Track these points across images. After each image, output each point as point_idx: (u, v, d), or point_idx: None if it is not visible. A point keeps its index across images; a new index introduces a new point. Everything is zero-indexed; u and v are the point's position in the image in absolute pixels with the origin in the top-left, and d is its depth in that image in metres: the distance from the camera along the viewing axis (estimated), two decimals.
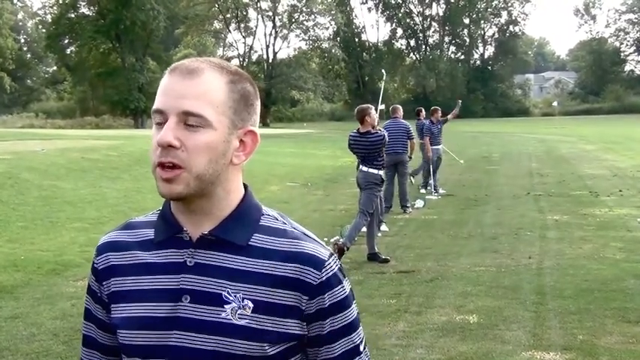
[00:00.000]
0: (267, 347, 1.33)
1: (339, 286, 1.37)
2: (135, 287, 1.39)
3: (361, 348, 1.42)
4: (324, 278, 1.35)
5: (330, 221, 11.18)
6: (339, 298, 1.37)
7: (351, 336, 1.40)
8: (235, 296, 1.33)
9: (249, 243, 1.36)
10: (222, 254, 1.35)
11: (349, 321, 1.39)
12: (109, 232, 1.49)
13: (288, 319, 1.34)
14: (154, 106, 1.33)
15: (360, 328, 1.43)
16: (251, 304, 1.32)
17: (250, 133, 1.38)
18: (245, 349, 1.32)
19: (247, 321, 1.32)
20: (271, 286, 1.33)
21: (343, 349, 1.39)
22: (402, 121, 12.87)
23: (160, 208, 1.44)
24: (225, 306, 1.33)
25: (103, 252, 1.46)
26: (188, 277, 1.35)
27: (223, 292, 1.33)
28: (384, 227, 10.87)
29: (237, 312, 1.32)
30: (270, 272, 1.34)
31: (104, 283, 1.44)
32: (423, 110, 15.69)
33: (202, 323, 1.33)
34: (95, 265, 1.46)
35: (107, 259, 1.44)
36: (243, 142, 1.37)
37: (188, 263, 1.35)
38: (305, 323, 1.35)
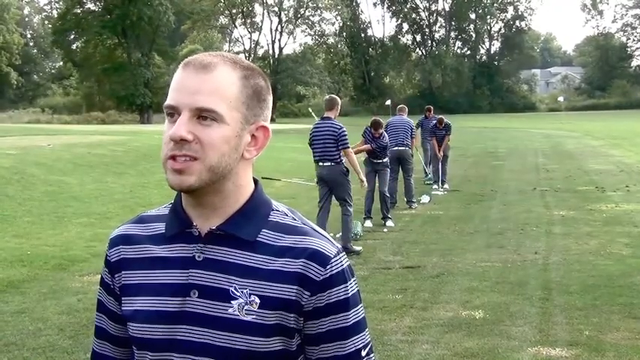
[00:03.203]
0: (271, 342, 1.33)
1: (342, 286, 1.35)
2: (145, 281, 1.40)
3: (363, 353, 1.38)
4: (327, 275, 1.34)
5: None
6: (339, 298, 1.35)
7: (352, 339, 1.37)
8: (242, 292, 1.33)
9: (257, 239, 1.36)
10: (230, 249, 1.35)
11: (350, 323, 1.36)
12: (122, 225, 1.50)
13: (291, 313, 1.33)
14: (167, 102, 1.32)
15: (365, 332, 1.40)
16: (258, 300, 1.32)
17: (262, 128, 1.38)
18: (250, 345, 1.32)
19: (254, 317, 1.32)
20: (278, 282, 1.33)
21: (340, 352, 1.36)
22: (406, 118, 13.47)
23: (172, 201, 1.44)
24: (232, 301, 1.33)
25: (116, 244, 1.47)
26: (196, 272, 1.35)
27: (230, 288, 1.33)
28: (389, 223, 10.93)
29: (244, 308, 1.32)
30: (277, 268, 1.34)
31: (116, 275, 1.45)
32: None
33: (209, 318, 1.33)
34: (108, 257, 1.47)
35: (119, 252, 1.45)
36: (255, 136, 1.37)
37: (197, 258, 1.36)
38: (302, 319, 1.34)
